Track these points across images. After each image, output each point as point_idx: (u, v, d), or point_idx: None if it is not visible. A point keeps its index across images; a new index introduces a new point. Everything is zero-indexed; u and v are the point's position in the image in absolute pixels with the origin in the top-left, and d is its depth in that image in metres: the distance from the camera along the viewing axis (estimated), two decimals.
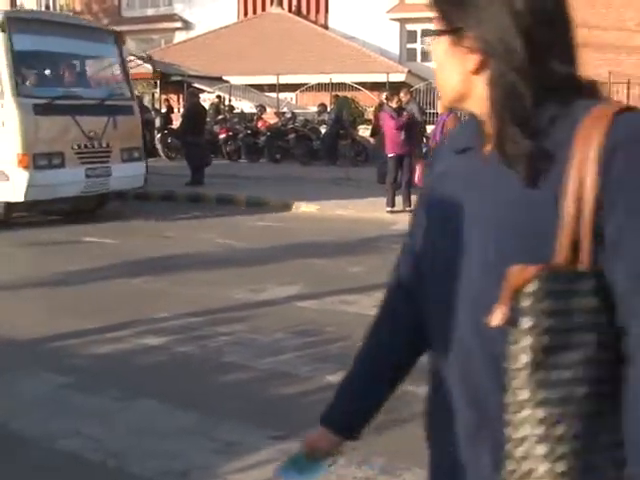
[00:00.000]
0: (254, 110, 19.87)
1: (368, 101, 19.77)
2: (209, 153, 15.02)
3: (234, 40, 24.43)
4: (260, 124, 18.43)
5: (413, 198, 9.47)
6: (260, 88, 22.59)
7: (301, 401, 3.91)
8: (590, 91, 1.06)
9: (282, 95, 22.05)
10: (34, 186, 9.08)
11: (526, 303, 0.97)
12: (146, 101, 19.19)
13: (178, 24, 28.11)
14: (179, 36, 28.11)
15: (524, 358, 0.97)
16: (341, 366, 3.34)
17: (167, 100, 21.06)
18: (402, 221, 8.47)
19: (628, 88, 15.47)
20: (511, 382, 0.99)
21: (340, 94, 19.78)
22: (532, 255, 0.99)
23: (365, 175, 13.73)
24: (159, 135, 17.75)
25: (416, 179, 9.77)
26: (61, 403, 3.92)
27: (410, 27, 24.44)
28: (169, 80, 21.85)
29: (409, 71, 22.09)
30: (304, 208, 11.01)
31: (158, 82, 21.32)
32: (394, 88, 14.48)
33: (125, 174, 10.25)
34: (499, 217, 1.04)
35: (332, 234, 8.94)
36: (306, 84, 21.64)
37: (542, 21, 1.02)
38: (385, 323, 1.32)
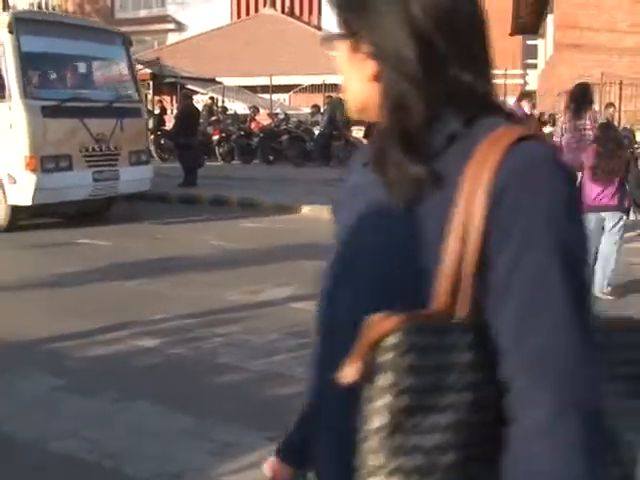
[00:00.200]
0: (247, 111, 19.91)
1: None
2: (202, 154, 15.00)
3: (227, 41, 24.46)
4: (253, 125, 18.44)
5: None
6: (253, 89, 22.63)
7: (296, 402, 3.89)
8: (496, 107, 0.95)
9: (275, 96, 22.08)
10: (42, 189, 8.92)
11: (385, 357, 0.81)
12: None
13: (171, 25, 28.17)
14: (172, 37, 28.15)
15: (379, 420, 0.82)
16: None
17: (160, 101, 21.07)
18: None
19: (620, 89, 15.53)
20: (363, 445, 0.83)
21: (333, 95, 19.80)
22: (407, 298, 0.87)
23: None
24: (152, 136, 17.74)
25: None
26: (57, 404, 3.92)
27: None
28: (162, 81, 21.86)
29: None
30: (297, 209, 11.02)
31: (151, 84, 21.33)
32: None
33: (133, 177, 10.11)
34: (377, 247, 0.92)
35: (325, 235, 8.90)
36: (299, 85, 21.68)
37: (444, 27, 0.91)
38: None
